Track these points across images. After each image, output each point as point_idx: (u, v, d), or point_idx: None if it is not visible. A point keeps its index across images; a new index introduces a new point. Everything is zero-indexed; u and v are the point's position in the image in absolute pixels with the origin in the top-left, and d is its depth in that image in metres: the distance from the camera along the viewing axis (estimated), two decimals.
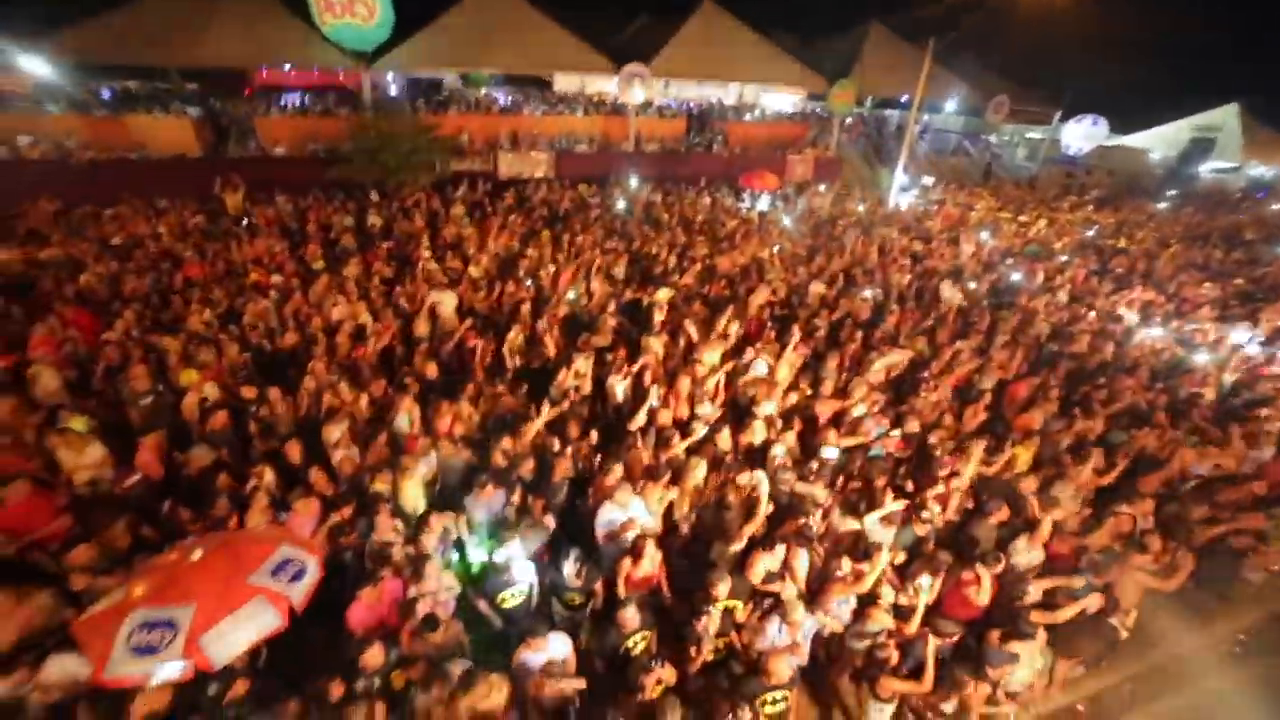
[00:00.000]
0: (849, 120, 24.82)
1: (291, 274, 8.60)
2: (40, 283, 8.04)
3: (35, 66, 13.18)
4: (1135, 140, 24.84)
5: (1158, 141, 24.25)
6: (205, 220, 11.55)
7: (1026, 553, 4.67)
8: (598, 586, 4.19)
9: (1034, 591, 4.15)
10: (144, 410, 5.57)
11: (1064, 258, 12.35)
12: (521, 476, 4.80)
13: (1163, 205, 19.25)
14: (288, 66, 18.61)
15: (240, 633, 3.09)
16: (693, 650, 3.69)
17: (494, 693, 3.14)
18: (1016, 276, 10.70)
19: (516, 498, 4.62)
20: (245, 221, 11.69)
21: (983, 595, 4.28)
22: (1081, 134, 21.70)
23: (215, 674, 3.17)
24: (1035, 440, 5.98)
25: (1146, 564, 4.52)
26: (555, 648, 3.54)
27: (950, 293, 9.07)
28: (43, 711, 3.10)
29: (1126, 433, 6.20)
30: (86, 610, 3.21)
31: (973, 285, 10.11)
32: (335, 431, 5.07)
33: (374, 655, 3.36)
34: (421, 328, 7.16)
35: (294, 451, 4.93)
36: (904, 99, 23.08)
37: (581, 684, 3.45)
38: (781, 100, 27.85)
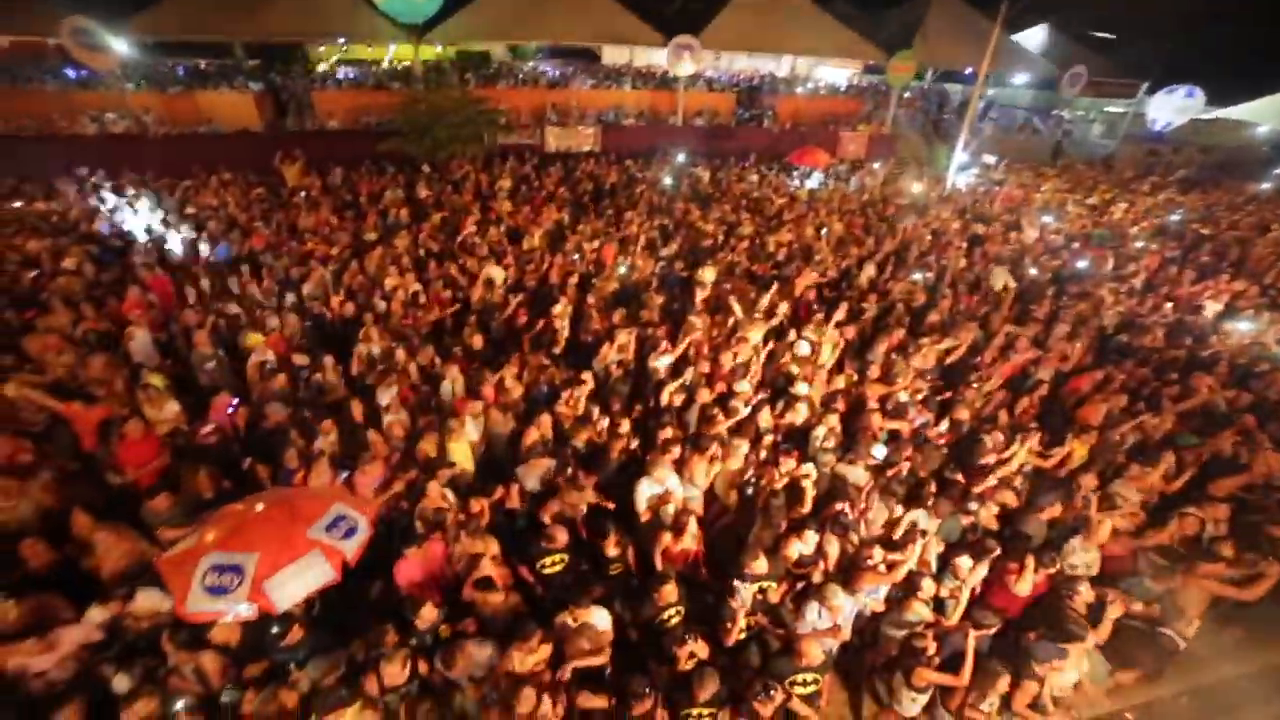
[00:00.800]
0: (907, 94, 23.51)
1: (346, 245, 8.92)
2: (128, 251, 8.64)
3: (120, 46, 13.96)
4: (1239, 112, 21.97)
5: (1268, 113, 21.13)
6: (266, 191, 12.08)
7: (1082, 553, 4.46)
8: (631, 557, 4.26)
9: (1085, 592, 3.96)
10: (209, 373, 5.98)
11: (1139, 243, 11.46)
12: (576, 448, 4.90)
13: (1266, 185, 17.33)
14: (342, 40, 19.01)
15: (299, 581, 3.30)
16: (727, 624, 3.73)
17: (540, 649, 3.30)
18: (1083, 263, 10.02)
19: (569, 470, 4.72)
20: (303, 194, 12.16)
21: (1023, 585, 4.13)
22: (1172, 106, 19.01)
23: (276, 618, 3.42)
24: (1093, 435, 5.66)
25: (1218, 572, 4.24)
26: (597, 620, 3.61)
27: (1002, 278, 8.53)
28: (134, 638, 3.44)
29: (1199, 437, 5.75)
30: (168, 550, 3.50)
31: (1033, 271, 9.54)
32: (386, 396, 5.29)
33: (428, 612, 3.54)
34: (477, 293, 7.39)
35: (356, 411, 5.21)
36: (968, 71, 21.65)
37: (604, 661, 3.54)
38: (836, 73, 26.64)
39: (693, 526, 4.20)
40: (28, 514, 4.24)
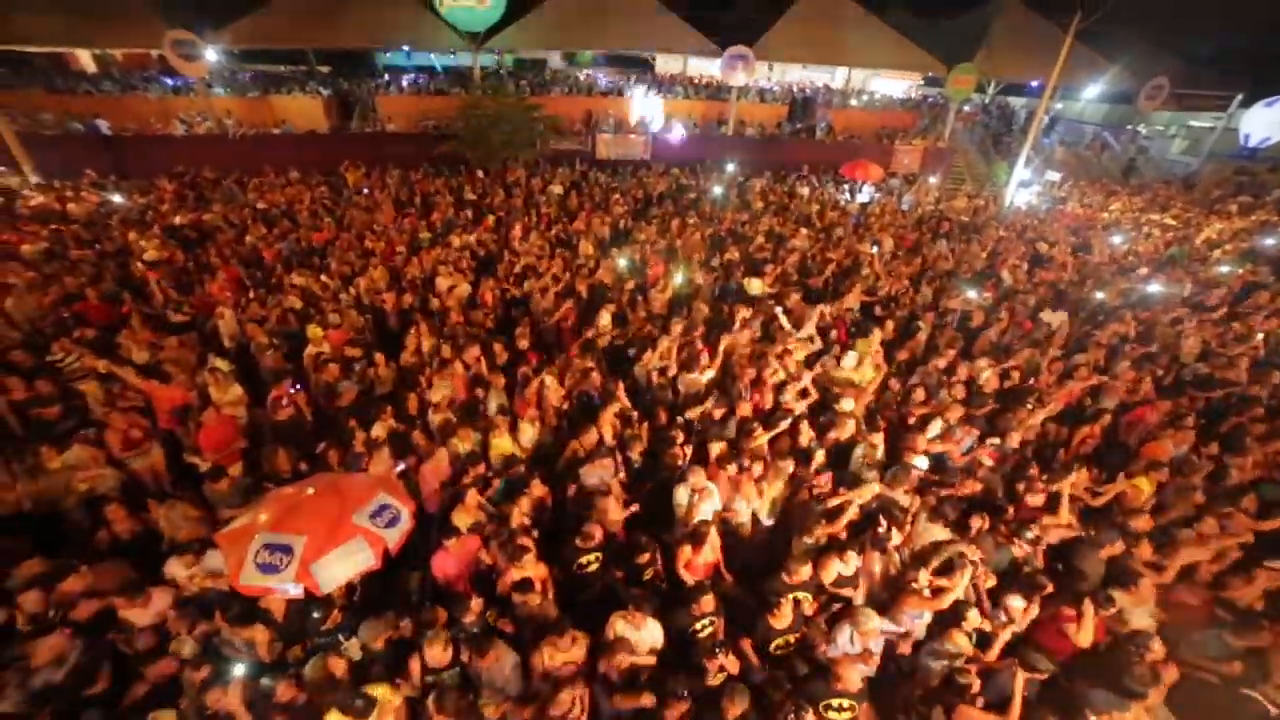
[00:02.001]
0: (967, 108, 22.67)
1: (404, 244, 9.29)
2: (212, 241, 9.30)
3: (210, 55, 15.16)
4: None
5: None
6: (329, 191, 12.75)
7: (1131, 608, 4.13)
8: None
9: (1156, 649, 3.67)
10: (268, 361, 6.32)
11: (1224, 268, 10.64)
12: (630, 458, 4.92)
13: None
14: (405, 47, 19.90)
15: (342, 565, 3.43)
16: (764, 638, 3.64)
17: (575, 647, 3.32)
18: (1155, 287, 9.38)
19: (622, 474, 4.77)
20: (364, 191, 12.78)
21: (1083, 635, 3.86)
22: (1271, 120, 16.44)
23: (318, 601, 3.56)
24: (1161, 472, 5.27)
25: None
26: (649, 632, 3.53)
27: (1054, 319, 8.08)
28: (197, 597, 3.70)
29: None
30: (226, 526, 3.71)
31: (1100, 295, 9.00)
32: (438, 393, 5.42)
33: (476, 604, 3.60)
34: (540, 298, 7.54)
35: (411, 404, 5.41)
36: (1035, 84, 20.67)
37: (652, 662, 3.49)
38: (892, 84, 26.04)
39: (713, 538, 4.13)
40: (113, 484, 4.61)
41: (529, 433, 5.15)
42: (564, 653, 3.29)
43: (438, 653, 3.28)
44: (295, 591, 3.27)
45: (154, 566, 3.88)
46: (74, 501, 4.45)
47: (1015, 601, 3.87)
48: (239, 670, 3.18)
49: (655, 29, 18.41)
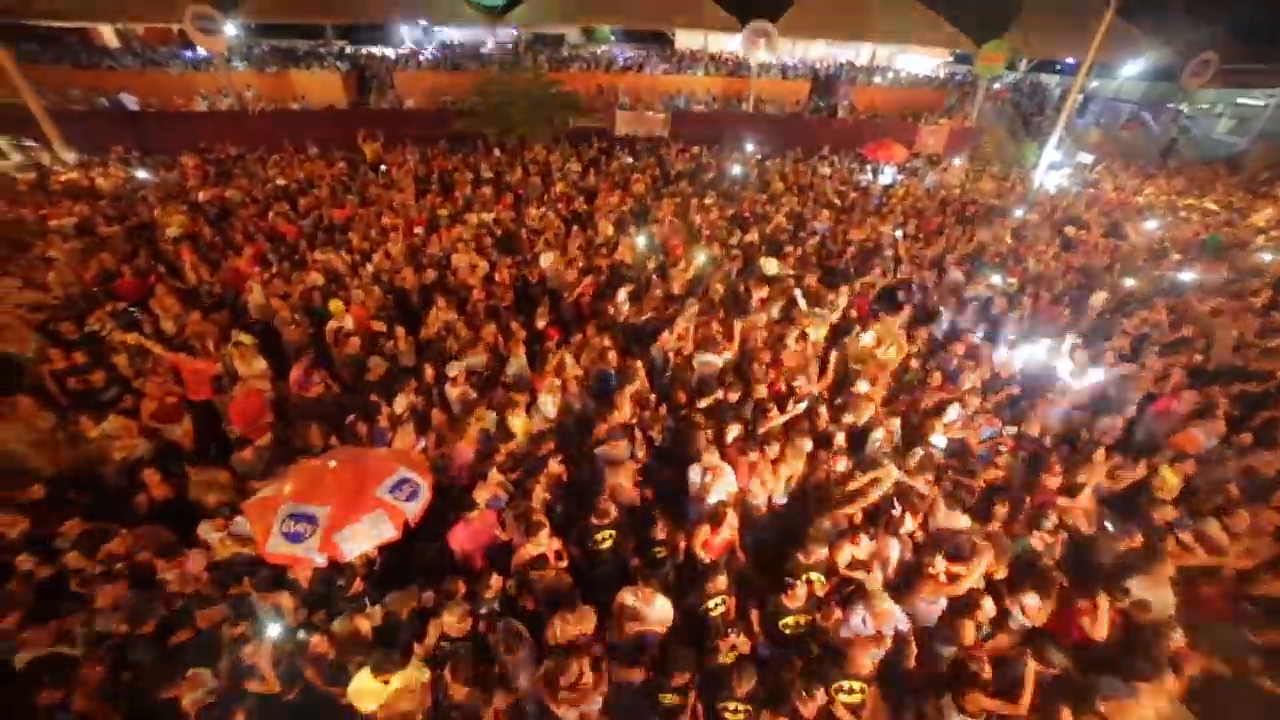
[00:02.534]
0: (996, 86, 21.80)
1: (423, 221, 9.30)
2: (235, 217, 9.41)
3: (229, 30, 15.12)
4: None
5: None
6: (347, 167, 12.78)
7: (1145, 592, 4.08)
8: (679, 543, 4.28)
9: (1178, 638, 3.64)
10: (291, 335, 6.43)
11: (1266, 256, 10.23)
12: (651, 437, 4.97)
13: None
14: (422, 21, 19.67)
15: (364, 536, 3.54)
16: (775, 618, 3.68)
17: (584, 621, 3.42)
18: (1188, 275, 9.07)
19: (642, 453, 4.81)
20: (382, 167, 12.77)
21: (1098, 629, 3.84)
22: None
23: (341, 569, 3.68)
24: (1188, 464, 5.16)
25: None
26: (657, 609, 3.60)
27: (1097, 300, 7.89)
28: (228, 562, 3.85)
29: None
30: (253, 496, 3.83)
31: (1129, 282, 8.74)
32: (455, 368, 5.51)
33: (495, 581, 3.69)
34: (561, 271, 7.57)
35: (428, 374, 5.52)
36: (1070, 61, 19.78)
37: (659, 630, 3.57)
38: (918, 62, 25.13)
39: (731, 519, 4.18)
40: (146, 453, 4.80)
41: (549, 403, 5.19)
42: (574, 626, 3.37)
43: (454, 621, 3.39)
44: (320, 560, 3.39)
45: (189, 531, 4.04)
46: (112, 469, 4.62)
47: (1031, 600, 3.85)
48: (272, 630, 3.34)
49: (675, 3, 17.95)
